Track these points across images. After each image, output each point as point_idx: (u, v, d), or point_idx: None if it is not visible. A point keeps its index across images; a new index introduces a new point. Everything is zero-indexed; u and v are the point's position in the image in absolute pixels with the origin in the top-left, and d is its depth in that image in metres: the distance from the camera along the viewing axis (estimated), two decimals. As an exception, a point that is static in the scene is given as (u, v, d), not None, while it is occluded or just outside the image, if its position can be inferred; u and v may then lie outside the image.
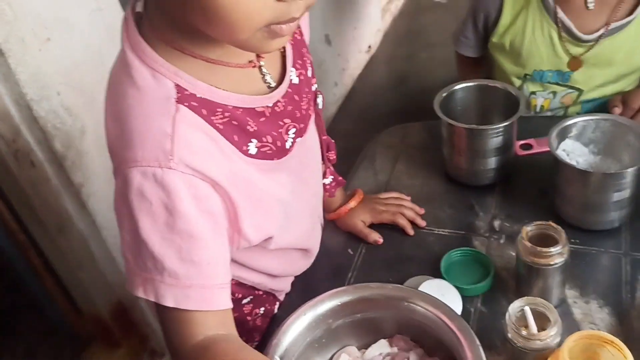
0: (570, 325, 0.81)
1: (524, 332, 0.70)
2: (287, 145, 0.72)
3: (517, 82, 1.23)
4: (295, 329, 0.71)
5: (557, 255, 0.79)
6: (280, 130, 0.70)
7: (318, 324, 0.73)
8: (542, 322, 0.72)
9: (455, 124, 1.01)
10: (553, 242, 0.80)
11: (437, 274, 0.90)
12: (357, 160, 1.20)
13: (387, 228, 1.01)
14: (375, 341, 0.77)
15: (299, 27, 0.78)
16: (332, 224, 1.04)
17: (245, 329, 0.88)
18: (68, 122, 1.38)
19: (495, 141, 1.00)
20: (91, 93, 1.40)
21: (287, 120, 0.71)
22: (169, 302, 0.62)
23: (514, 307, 0.72)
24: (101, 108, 1.48)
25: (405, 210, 1.02)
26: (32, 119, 1.32)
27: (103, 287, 1.63)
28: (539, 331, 0.71)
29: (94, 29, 1.38)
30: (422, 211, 1.03)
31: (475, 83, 1.10)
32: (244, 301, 0.86)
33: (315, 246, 0.92)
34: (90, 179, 1.45)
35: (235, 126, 0.65)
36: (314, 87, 0.82)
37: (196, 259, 0.61)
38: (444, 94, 1.07)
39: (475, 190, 1.06)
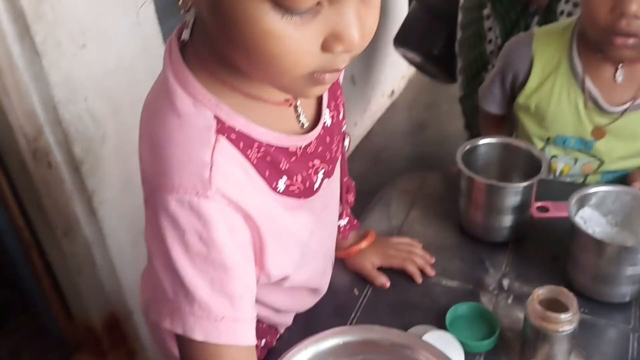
0: (572, 396, 0.79)
1: (526, 397, 0.68)
2: (315, 186, 0.72)
3: (540, 144, 1.23)
4: (295, 363, 0.70)
5: (566, 322, 0.78)
6: (309, 171, 0.70)
7: (318, 361, 0.72)
8: (546, 388, 0.71)
9: (476, 178, 1.01)
10: (563, 308, 0.79)
11: (441, 326, 0.89)
12: (373, 201, 1.20)
13: (395, 273, 1.00)
14: (373, 386, 0.76)
15: None
16: (341, 262, 1.03)
17: None
18: (91, 128, 1.40)
19: (513, 200, 1.00)
20: (118, 103, 1.42)
21: (316, 162, 0.71)
22: (197, 336, 0.60)
23: (519, 369, 0.71)
24: (125, 118, 1.50)
25: (416, 257, 1.01)
26: (57, 120, 1.34)
27: (99, 296, 1.62)
28: (541, 398, 0.70)
29: (130, 42, 1.41)
30: (432, 260, 1.02)
31: (499, 140, 1.10)
32: None
33: (325, 286, 0.91)
34: (104, 187, 1.46)
35: (269, 162, 0.65)
36: (343, 129, 0.82)
37: (229, 291, 0.60)
38: (467, 147, 1.07)
39: (488, 247, 1.05)
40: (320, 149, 0.72)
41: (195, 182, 0.58)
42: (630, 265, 0.88)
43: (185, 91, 0.61)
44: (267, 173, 0.65)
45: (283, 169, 0.66)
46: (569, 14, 1.62)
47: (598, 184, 0.99)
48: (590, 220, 0.98)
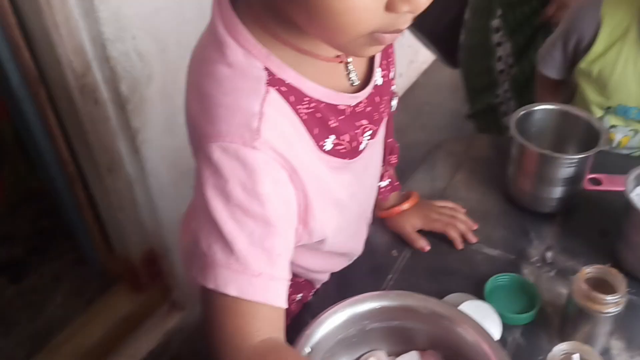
0: (611, 378, 0.77)
1: (565, 378, 0.67)
2: (362, 147, 0.70)
3: (599, 113, 1.17)
4: (330, 323, 0.70)
5: (612, 304, 0.75)
6: (356, 131, 0.68)
7: (353, 323, 0.71)
8: (585, 370, 0.69)
9: (529, 146, 0.97)
10: (610, 289, 0.77)
11: (479, 295, 0.87)
12: (418, 162, 1.17)
13: (436, 237, 0.98)
14: (406, 351, 0.75)
15: None
16: (381, 222, 1.02)
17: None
18: (138, 66, 1.39)
19: (566, 171, 0.96)
20: (165, 42, 1.40)
21: (364, 122, 0.69)
22: (231, 291, 0.57)
23: (559, 349, 0.69)
24: (172, 58, 1.49)
25: (459, 222, 0.99)
26: (104, 58, 1.33)
27: (139, 232, 1.65)
28: (580, 379, 0.68)
29: (180, -20, 1.38)
30: (475, 226, 1.00)
31: (557, 107, 1.05)
32: None
33: (358, 249, 0.90)
34: (148, 126, 1.46)
35: (319, 119, 0.63)
36: (392, 88, 0.79)
37: (268, 247, 0.58)
38: (522, 112, 1.02)
39: (534, 216, 1.02)
40: (369, 109, 0.69)
41: (243, 131, 0.57)
42: (685, 249, 0.84)
43: (235, 41, 0.59)
44: (315, 130, 0.63)
45: (332, 126, 0.64)
46: None
47: (658, 160, 0.94)
48: (647, 198, 0.93)
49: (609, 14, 1.12)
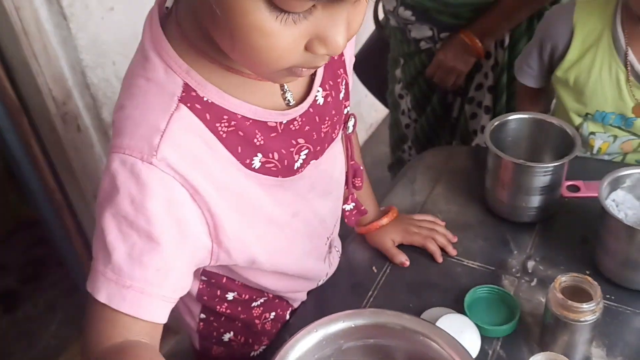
0: (591, 387, 0.77)
1: (540, 390, 0.66)
2: (296, 165, 0.70)
3: (578, 120, 1.17)
4: (305, 344, 0.69)
5: (589, 312, 0.75)
6: (291, 150, 0.68)
7: (328, 343, 0.71)
8: (562, 380, 0.69)
9: (504, 156, 0.97)
10: (587, 297, 0.76)
11: (459, 307, 0.87)
12: (397, 176, 1.17)
13: (416, 251, 0.98)
14: (384, 368, 0.75)
15: None
16: (360, 238, 1.02)
17: (252, 331, 0.87)
18: (119, 91, 1.40)
19: (542, 180, 0.96)
20: (145, 67, 1.41)
21: (300, 141, 0.69)
22: (101, 297, 0.58)
23: (534, 360, 0.69)
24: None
25: (438, 235, 0.99)
26: (85, 84, 1.34)
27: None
28: (556, 390, 0.68)
29: (157, 5, 1.39)
30: (454, 239, 1.00)
31: (530, 116, 1.05)
32: (254, 304, 0.84)
33: (318, 270, 0.89)
34: (132, 151, 1.46)
35: (241, 137, 0.63)
36: (346, 110, 0.79)
37: (145, 261, 0.58)
38: (496, 123, 1.03)
39: (513, 226, 1.02)
40: (306, 128, 0.69)
41: (142, 146, 0.57)
42: (662, 254, 0.84)
43: (158, 56, 0.60)
44: (239, 149, 0.63)
45: (257, 144, 0.65)
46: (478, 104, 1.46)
47: (634, 165, 0.94)
48: (623, 203, 0.93)
49: (581, 21, 1.13)
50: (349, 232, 1.05)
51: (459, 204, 1.08)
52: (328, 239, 0.87)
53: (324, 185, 0.79)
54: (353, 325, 0.71)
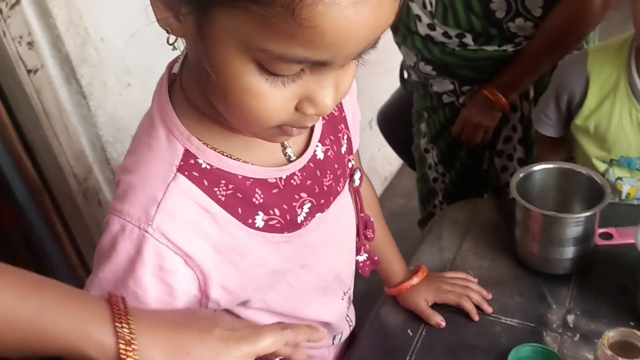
0: None
1: None
2: (299, 219, 0.70)
3: (602, 167, 1.16)
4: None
5: (641, 368, 0.71)
6: (294, 204, 0.69)
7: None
8: None
9: (532, 208, 0.95)
10: (635, 352, 0.73)
11: (502, 369, 0.84)
12: (422, 234, 1.15)
13: (450, 311, 0.95)
14: None
15: (340, 103, 0.77)
16: (393, 301, 0.99)
17: None
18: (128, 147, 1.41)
19: (574, 230, 0.94)
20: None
21: (303, 195, 0.70)
22: None
23: None
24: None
25: (472, 293, 0.96)
26: (105, 159, 1.35)
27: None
28: None
29: (173, 78, 1.42)
30: (489, 296, 0.97)
31: (556, 166, 1.04)
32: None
33: (336, 321, 0.86)
34: (153, 223, 1.46)
35: (240, 199, 0.64)
36: (350, 164, 0.80)
37: None
38: (522, 174, 1.02)
39: (549, 279, 0.99)
40: (308, 182, 0.70)
41: (140, 215, 0.60)
42: None
43: (162, 123, 0.62)
44: (239, 210, 0.64)
45: (257, 203, 0.66)
46: (509, 156, 1.47)
47: (668, 209, 0.92)
48: (661, 249, 0.91)
49: (596, 69, 1.13)
50: (372, 285, 1.02)
51: (489, 259, 1.06)
52: (345, 293, 0.85)
53: (336, 238, 0.79)
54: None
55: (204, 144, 0.62)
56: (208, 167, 0.63)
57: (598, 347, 0.75)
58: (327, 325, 0.85)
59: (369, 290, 1.04)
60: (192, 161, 0.62)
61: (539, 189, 1.04)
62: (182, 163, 0.62)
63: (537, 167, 1.04)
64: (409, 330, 0.94)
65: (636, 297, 0.90)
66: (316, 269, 0.77)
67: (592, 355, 0.80)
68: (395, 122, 1.80)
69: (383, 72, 2.25)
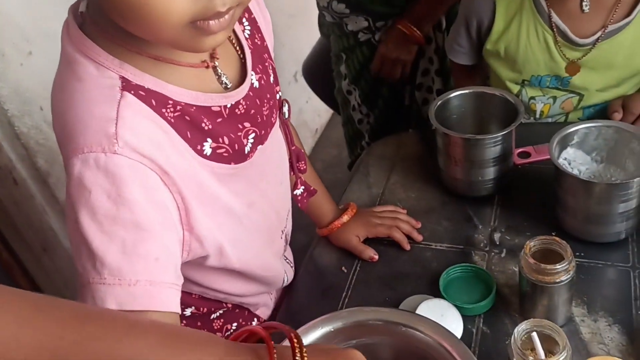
0: (578, 346, 0.76)
1: (530, 358, 0.65)
2: (246, 150, 0.68)
3: (515, 88, 1.18)
4: (286, 358, 0.67)
5: (563, 272, 0.74)
6: (239, 134, 0.67)
7: (310, 352, 0.68)
8: (550, 344, 0.68)
9: (451, 133, 0.97)
10: (558, 257, 0.76)
11: (435, 292, 0.86)
12: (351, 172, 1.16)
13: (383, 244, 0.96)
14: (372, 367, 0.72)
15: (260, 32, 0.76)
16: (325, 241, 0.99)
17: None
18: (52, 137, 1.33)
19: (493, 151, 0.96)
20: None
21: (247, 124, 0.68)
22: (111, 305, 0.54)
23: (519, 330, 0.67)
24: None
25: (401, 223, 0.97)
26: (14, 135, 1.28)
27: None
28: (546, 355, 0.67)
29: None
30: (418, 225, 0.99)
31: (471, 90, 1.06)
32: (213, 316, 0.82)
33: (277, 272, 0.86)
34: (75, 196, 1.40)
35: (188, 122, 0.61)
36: (278, 95, 0.79)
37: (142, 253, 0.56)
38: (439, 102, 1.03)
39: (474, 202, 1.02)
40: (252, 111, 0.69)
41: (100, 138, 0.55)
42: (621, 202, 0.85)
43: (85, 57, 0.58)
44: (188, 134, 0.61)
45: (206, 129, 0.63)
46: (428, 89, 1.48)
47: (579, 122, 0.95)
48: (575, 160, 0.94)
49: (501, -9, 1.14)
50: (311, 237, 1.02)
51: (417, 190, 1.07)
52: (283, 232, 0.85)
53: (274, 172, 0.77)
54: (332, 329, 0.69)
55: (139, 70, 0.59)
56: (150, 88, 0.59)
57: (521, 258, 0.77)
58: (270, 268, 0.85)
59: (310, 243, 1.03)
60: (133, 83, 0.58)
61: (457, 116, 1.06)
62: (124, 84, 0.58)
63: (453, 94, 1.05)
64: (343, 268, 0.95)
65: (556, 208, 0.93)
66: (260, 206, 0.75)
67: (518, 267, 0.83)
68: (320, 72, 1.77)
69: (303, 24, 2.22)
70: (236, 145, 0.67)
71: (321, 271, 0.95)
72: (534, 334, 0.66)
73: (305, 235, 1.06)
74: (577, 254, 0.87)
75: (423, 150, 1.17)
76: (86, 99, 0.57)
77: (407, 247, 0.95)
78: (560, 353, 0.65)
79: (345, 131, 1.70)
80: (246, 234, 0.73)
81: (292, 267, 0.95)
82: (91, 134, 0.55)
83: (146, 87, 0.59)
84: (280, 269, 0.87)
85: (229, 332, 0.84)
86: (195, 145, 0.62)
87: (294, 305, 0.90)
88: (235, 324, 0.85)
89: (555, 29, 1.11)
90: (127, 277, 0.55)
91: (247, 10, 0.74)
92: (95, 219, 0.54)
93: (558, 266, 0.74)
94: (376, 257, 0.95)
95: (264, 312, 0.90)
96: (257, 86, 0.71)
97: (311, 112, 2.64)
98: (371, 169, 1.15)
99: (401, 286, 0.89)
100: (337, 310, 0.70)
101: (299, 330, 0.68)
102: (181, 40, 0.55)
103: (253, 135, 0.69)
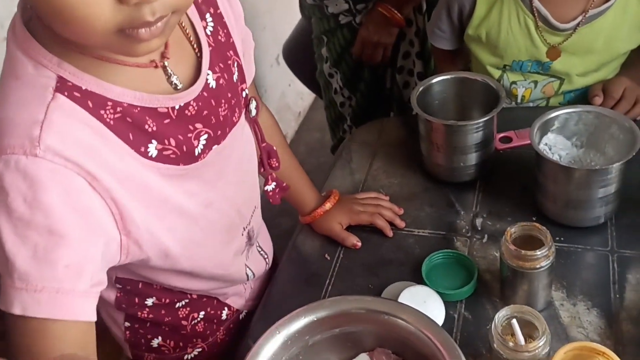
0: (558, 330, 0.77)
1: (510, 344, 0.66)
2: (197, 151, 0.67)
3: (497, 73, 1.18)
4: (269, 348, 0.67)
5: (543, 258, 0.75)
6: (189, 135, 0.66)
7: (294, 342, 0.68)
8: (530, 329, 0.69)
9: (433, 120, 0.97)
10: (538, 243, 0.77)
11: (418, 278, 0.86)
12: (334, 158, 1.15)
13: (365, 231, 0.97)
14: (355, 355, 0.73)
15: (225, 28, 0.73)
16: (307, 228, 0.99)
17: (181, 334, 0.83)
18: None
19: (475, 136, 0.96)
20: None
21: (198, 125, 0.67)
22: (15, 309, 0.54)
23: (500, 317, 0.68)
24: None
25: (384, 210, 0.97)
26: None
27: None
28: (526, 340, 0.68)
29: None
30: (400, 211, 0.99)
31: (453, 76, 1.06)
32: (178, 305, 0.81)
33: (237, 269, 0.84)
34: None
35: (130, 124, 0.60)
36: (244, 93, 0.77)
37: (53, 259, 0.54)
38: (421, 88, 1.02)
39: (456, 188, 1.02)
40: (205, 112, 0.67)
41: (23, 141, 0.54)
42: (601, 187, 0.86)
43: (25, 55, 0.57)
44: (130, 136, 0.60)
45: (150, 131, 0.62)
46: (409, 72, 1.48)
47: (560, 107, 0.95)
48: (555, 145, 0.95)
49: (482, -25, 1.13)
50: (296, 221, 1.02)
51: (399, 176, 1.07)
52: (245, 229, 0.83)
53: (234, 172, 0.76)
54: (315, 319, 0.69)
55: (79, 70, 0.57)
56: (88, 89, 0.57)
57: (502, 244, 0.78)
58: (228, 266, 0.83)
59: (294, 227, 1.03)
60: (69, 84, 0.57)
61: (439, 101, 1.05)
62: (58, 84, 0.56)
63: (436, 79, 1.05)
64: (326, 255, 0.95)
65: (536, 193, 0.94)
66: (218, 206, 0.74)
67: (499, 252, 0.84)
68: (301, 55, 1.76)
69: (283, 5, 2.20)
70: (184, 146, 0.65)
71: (304, 259, 0.95)
72: (514, 321, 0.67)
73: (291, 219, 1.06)
74: (557, 238, 0.88)
75: (405, 136, 1.17)
76: (19, 99, 0.56)
77: (390, 233, 0.95)
78: (540, 338, 0.66)
79: (328, 114, 1.69)
80: (202, 234, 0.72)
81: (266, 257, 0.94)
82: (16, 136, 0.54)
83: (84, 87, 0.57)
84: (241, 265, 0.86)
85: (195, 321, 0.83)
86: (139, 147, 0.61)
87: (277, 294, 0.90)
88: (202, 313, 0.84)
89: (536, 14, 1.11)
90: (33, 283, 0.54)
91: (213, 4, 0.72)
92: (11, 222, 0.54)
93: (538, 252, 0.75)
94: (359, 244, 0.95)
95: (236, 301, 0.90)
96: (214, 86, 0.69)
97: (294, 96, 2.63)
98: (354, 155, 1.15)
99: (384, 273, 0.90)
100: (320, 299, 0.71)
101: (281, 322, 0.68)
102: (112, 46, 0.54)
103: (206, 136, 0.68)
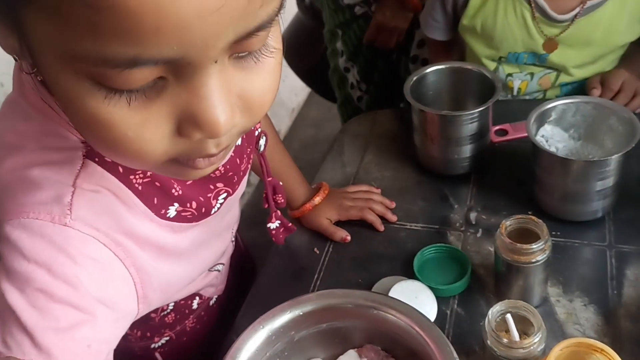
0: (554, 327, 0.75)
1: (505, 340, 0.63)
2: (213, 210, 0.65)
3: (492, 65, 1.16)
4: (253, 343, 0.64)
5: (539, 251, 0.72)
6: (209, 195, 0.63)
7: (278, 337, 0.66)
8: (525, 325, 0.66)
9: (427, 110, 0.94)
10: (534, 237, 0.74)
11: (410, 273, 0.83)
12: (325, 151, 1.12)
13: (356, 224, 0.94)
14: (343, 352, 0.70)
15: None
16: (297, 222, 0.96)
17: (149, 324, 0.80)
18: None
19: (469, 128, 0.93)
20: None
21: (219, 185, 0.64)
22: None
23: (494, 312, 0.65)
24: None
25: (374, 204, 0.95)
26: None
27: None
28: (521, 337, 0.65)
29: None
30: (392, 205, 0.96)
31: (448, 66, 1.03)
32: None
33: (202, 284, 0.81)
34: None
35: (158, 188, 0.57)
36: (257, 132, 0.74)
37: (79, 337, 0.49)
38: (415, 78, 0.99)
39: (450, 181, 0.99)
40: (230, 174, 0.65)
41: (51, 206, 0.49)
42: (598, 180, 0.83)
43: (44, 117, 0.51)
44: (155, 200, 0.57)
45: (176, 194, 0.59)
46: (423, 61, 1.43)
47: (557, 98, 0.92)
48: (552, 137, 0.92)
49: (478, -37, 1.11)
50: (286, 211, 0.99)
51: (392, 168, 1.05)
52: (223, 253, 0.80)
53: (233, 211, 0.75)
54: (301, 313, 0.66)
55: None
56: None
57: (497, 237, 0.75)
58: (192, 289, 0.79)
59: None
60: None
61: (433, 92, 1.03)
62: (88, 149, 0.52)
63: (430, 69, 1.02)
64: (315, 249, 0.92)
65: (533, 186, 0.91)
66: (212, 244, 0.71)
67: (493, 246, 0.81)
68: (298, 50, 1.73)
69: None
70: (203, 208, 0.63)
71: (293, 253, 0.92)
72: (509, 316, 0.64)
73: (280, 212, 1.03)
74: (554, 232, 0.86)
75: (398, 127, 1.14)
76: (43, 158, 0.51)
77: (381, 228, 0.92)
78: (535, 334, 0.63)
79: (343, 111, 1.64)
80: (182, 270, 0.67)
81: (233, 241, 0.87)
82: (42, 200, 0.49)
83: None
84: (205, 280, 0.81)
85: (164, 312, 0.80)
86: (160, 210, 0.58)
87: (264, 288, 0.87)
88: (172, 304, 0.80)
89: (533, 5, 1.08)
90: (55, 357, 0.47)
91: None
92: (28, 291, 0.47)
93: (534, 246, 0.72)
94: (348, 238, 0.92)
95: (208, 291, 0.85)
96: (239, 142, 0.66)
97: (288, 91, 2.60)
98: (345, 147, 1.12)
99: (375, 267, 0.87)
100: (307, 293, 0.68)
101: (264, 316, 0.65)
102: (165, 172, 0.49)
103: (225, 195, 0.65)
